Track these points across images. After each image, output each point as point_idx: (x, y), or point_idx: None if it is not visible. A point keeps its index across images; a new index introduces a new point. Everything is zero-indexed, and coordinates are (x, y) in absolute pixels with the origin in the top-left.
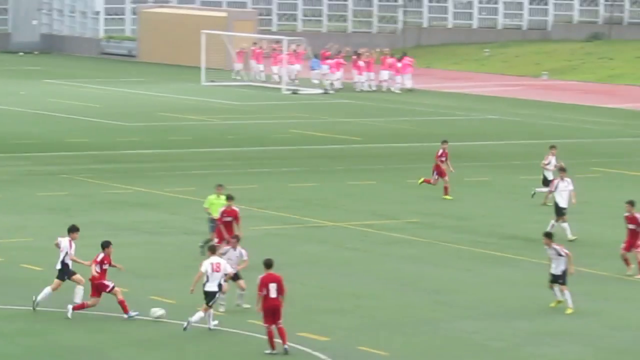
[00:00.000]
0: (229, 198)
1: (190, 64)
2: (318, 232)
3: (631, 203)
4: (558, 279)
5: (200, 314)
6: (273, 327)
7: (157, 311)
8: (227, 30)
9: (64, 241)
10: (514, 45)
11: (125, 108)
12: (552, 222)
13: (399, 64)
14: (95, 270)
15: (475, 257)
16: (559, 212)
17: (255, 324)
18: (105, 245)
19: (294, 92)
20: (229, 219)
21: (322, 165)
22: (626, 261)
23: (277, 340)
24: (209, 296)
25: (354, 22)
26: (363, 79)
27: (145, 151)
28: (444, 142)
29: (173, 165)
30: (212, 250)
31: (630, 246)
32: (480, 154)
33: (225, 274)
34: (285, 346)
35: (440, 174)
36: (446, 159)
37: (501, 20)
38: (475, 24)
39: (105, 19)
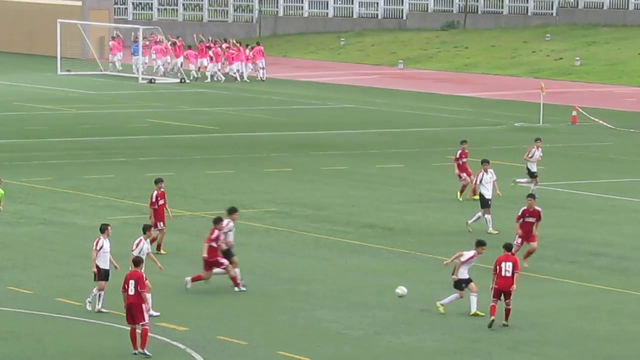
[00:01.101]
0: (159, 181)
1: (45, 53)
2: (176, 222)
3: (533, 196)
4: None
5: None
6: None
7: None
8: (82, 19)
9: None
10: (369, 34)
11: None
12: (479, 214)
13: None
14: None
15: (333, 246)
16: (485, 204)
17: (115, 314)
18: (217, 221)
19: (151, 82)
20: (162, 201)
21: (179, 155)
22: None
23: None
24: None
25: (210, 11)
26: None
27: (1, 141)
28: (463, 142)
29: (29, 155)
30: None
31: (527, 239)
32: (336, 143)
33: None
34: (142, 350)
35: (466, 172)
36: (466, 160)
37: (357, 9)
38: (331, 12)
39: None
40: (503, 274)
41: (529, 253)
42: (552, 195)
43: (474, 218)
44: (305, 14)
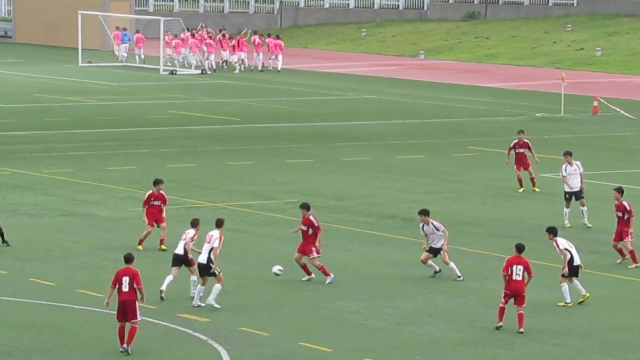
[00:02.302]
0: (157, 182)
1: (67, 45)
2: (197, 212)
3: (619, 190)
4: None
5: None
6: (126, 324)
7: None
8: (103, 10)
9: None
10: (390, 25)
11: (2, 89)
12: (565, 210)
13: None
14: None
15: (354, 237)
16: (571, 196)
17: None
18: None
19: (172, 73)
20: (157, 202)
21: (200, 146)
22: (620, 252)
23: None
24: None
25: (231, 2)
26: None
27: (22, 133)
28: (520, 132)
29: (50, 146)
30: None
31: (619, 235)
32: (357, 134)
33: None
34: (126, 347)
35: (522, 165)
36: (527, 149)
37: (378, 0)
38: (352, 3)
39: None
40: (514, 277)
41: (632, 255)
42: None
43: (567, 216)
44: (326, 5)
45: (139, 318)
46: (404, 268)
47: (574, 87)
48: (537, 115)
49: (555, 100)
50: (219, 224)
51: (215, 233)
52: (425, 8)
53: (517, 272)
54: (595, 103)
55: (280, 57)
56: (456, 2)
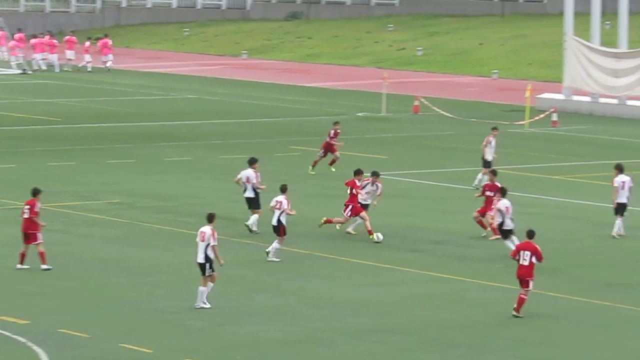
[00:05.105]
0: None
1: None
2: (18, 214)
3: (494, 172)
4: None
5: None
6: None
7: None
8: None
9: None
10: (213, 25)
11: None
12: (618, 221)
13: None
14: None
15: (176, 237)
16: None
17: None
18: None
19: (24, 72)
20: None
21: (20, 146)
22: (481, 224)
23: None
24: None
25: (52, 2)
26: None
27: None
28: (336, 123)
29: None
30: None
31: (484, 211)
32: (180, 134)
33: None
34: None
35: (330, 150)
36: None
37: (200, 0)
38: (174, 3)
39: None
40: (520, 262)
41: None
42: (393, 185)
43: (616, 228)
44: (149, 5)
45: None
46: (226, 269)
47: (395, 87)
48: (358, 114)
49: (377, 100)
50: (211, 219)
51: (207, 230)
52: (248, 8)
53: (524, 257)
54: (416, 102)
55: (110, 56)
56: (279, 2)
